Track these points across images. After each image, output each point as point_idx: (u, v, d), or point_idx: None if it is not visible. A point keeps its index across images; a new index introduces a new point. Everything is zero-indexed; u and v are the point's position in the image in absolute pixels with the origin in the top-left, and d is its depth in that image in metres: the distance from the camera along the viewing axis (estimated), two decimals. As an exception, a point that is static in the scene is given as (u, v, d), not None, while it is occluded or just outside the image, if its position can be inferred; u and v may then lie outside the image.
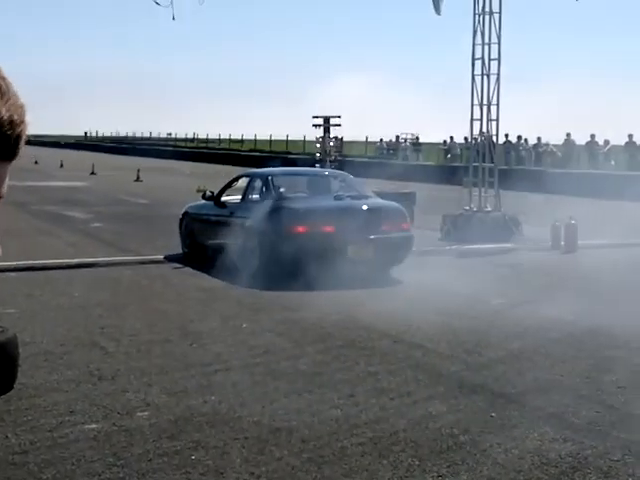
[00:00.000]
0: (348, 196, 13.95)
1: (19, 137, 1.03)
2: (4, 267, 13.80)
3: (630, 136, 39.51)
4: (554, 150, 41.93)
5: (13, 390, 7.25)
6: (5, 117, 1.00)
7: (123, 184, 37.23)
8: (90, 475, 5.57)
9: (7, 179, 1.09)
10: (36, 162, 58.63)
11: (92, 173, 45.63)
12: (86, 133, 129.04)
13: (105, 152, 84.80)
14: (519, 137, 44.05)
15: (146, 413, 6.82)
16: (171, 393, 7.35)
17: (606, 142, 39.56)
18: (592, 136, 39.34)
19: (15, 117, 1.01)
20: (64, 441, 6.17)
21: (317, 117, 25.37)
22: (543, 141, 43.02)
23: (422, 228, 18.21)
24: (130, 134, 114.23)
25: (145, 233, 19.19)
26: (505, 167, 30.18)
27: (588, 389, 7.54)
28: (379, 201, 14.30)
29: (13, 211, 24.42)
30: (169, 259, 15.15)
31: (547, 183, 33.21)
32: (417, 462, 5.85)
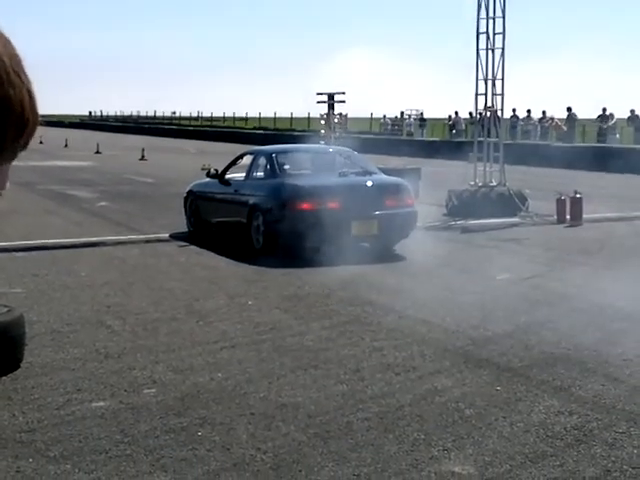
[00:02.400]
0: (352, 172, 13.92)
1: (32, 134, 1.07)
2: (11, 247, 13.83)
3: (632, 111, 39.40)
4: (559, 124, 41.80)
5: (20, 369, 7.28)
6: (34, 120, 1.04)
7: (128, 163, 37.22)
8: (97, 452, 5.60)
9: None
10: (41, 142, 58.65)
11: (97, 152, 45.62)
12: (90, 112, 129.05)
13: (110, 131, 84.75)
14: (529, 111, 43.84)
15: (153, 390, 6.85)
16: (177, 370, 7.38)
17: (611, 115, 39.42)
18: (604, 109, 39.19)
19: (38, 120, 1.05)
20: (71, 419, 6.20)
21: (321, 94, 25.25)
22: (548, 115, 42.87)
23: (427, 203, 18.19)
24: (134, 113, 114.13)
25: (150, 212, 19.20)
26: (510, 142, 30.09)
27: (594, 362, 7.54)
28: (383, 177, 14.28)
29: (19, 191, 24.44)
30: (174, 237, 15.16)
31: (552, 157, 33.12)
32: (423, 436, 5.87)
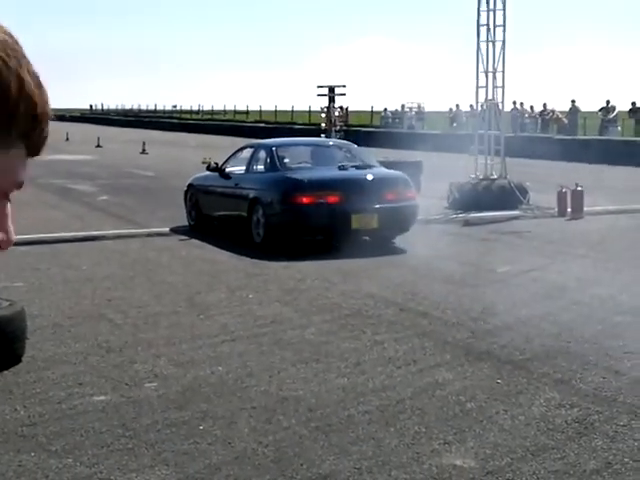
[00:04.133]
0: (353, 166, 13.92)
1: (44, 131, 1.07)
2: (11, 241, 13.82)
3: (633, 103, 39.36)
4: (560, 117, 41.76)
5: (22, 363, 7.29)
6: (48, 112, 1.05)
7: (129, 157, 37.22)
8: (99, 446, 5.61)
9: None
10: (41, 136, 58.52)
11: (98, 146, 45.60)
12: (91, 106, 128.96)
13: (111, 125, 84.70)
14: (531, 107, 43.64)
15: (154, 384, 6.86)
16: (179, 364, 7.39)
17: (612, 108, 39.38)
18: (607, 102, 39.14)
19: (49, 112, 1.05)
20: (73, 413, 6.21)
21: (322, 87, 25.23)
22: (549, 108, 42.82)
23: (428, 197, 18.17)
24: (135, 107, 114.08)
25: (151, 205, 19.20)
26: (511, 134, 30.06)
27: (595, 355, 7.55)
28: (384, 170, 14.27)
29: (19, 185, 24.44)
30: (175, 231, 15.17)
31: (554, 150, 33.09)
32: (424, 429, 5.87)
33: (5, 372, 7.06)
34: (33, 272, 11.53)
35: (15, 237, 1.08)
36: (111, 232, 14.97)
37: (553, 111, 42.51)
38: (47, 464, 5.33)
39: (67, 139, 53.60)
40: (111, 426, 5.95)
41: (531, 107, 43.93)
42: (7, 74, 1.02)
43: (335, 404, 6.38)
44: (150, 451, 5.53)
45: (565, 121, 41.04)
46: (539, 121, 42.91)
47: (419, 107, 54.09)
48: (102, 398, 6.53)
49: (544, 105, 43.24)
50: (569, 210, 17.09)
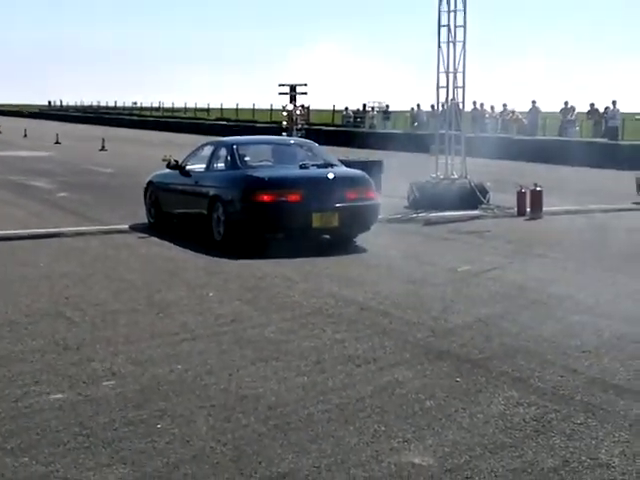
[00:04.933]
0: (314, 165, 13.90)
1: None
2: (-33, 238, 13.65)
3: (592, 105, 39.75)
4: (520, 117, 42.05)
5: (-23, 361, 7.19)
6: None
7: (88, 154, 36.92)
8: (55, 445, 5.54)
9: None
10: (-1, 132, 57.99)
11: (57, 143, 45.21)
12: (50, 102, 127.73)
13: (70, 121, 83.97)
14: (504, 105, 43.78)
15: (112, 382, 6.79)
16: (137, 362, 7.33)
17: (572, 109, 39.74)
18: (566, 103, 39.48)
19: None
20: (29, 411, 6.13)
21: (283, 85, 25.16)
22: (509, 108, 43.10)
23: (389, 196, 18.20)
24: (95, 103, 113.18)
25: (111, 203, 19.05)
26: (472, 134, 30.20)
27: (553, 354, 7.60)
28: (345, 169, 14.27)
29: (-24, 181, 24.14)
30: (135, 229, 15.06)
31: (513, 150, 33.32)
32: (383, 428, 5.87)
33: (-40, 370, 6.95)
34: (-10, 269, 11.38)
35: None
36: (70, 229, 14.83)
37: (513, 111, 42.79)
38: (3, 462, 5.26)
39: (25, 135, 53.09)
40: (68, 424, 5.88)
41: (492, 107, 44.16)
42: None
43: (295, 402, 6.36)
44: (107, 449, 5.48)
45: (525, 122, 41.34)
46: (499, 121, 43.17)
47: (381, 106, 54.20)
48: (59, 396, 6.45)
49: (504, 105, 43.51)
50: (528, 210, 17.22)
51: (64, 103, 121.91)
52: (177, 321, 8.75)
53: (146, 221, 15.59)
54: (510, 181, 19.72)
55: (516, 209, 17.37)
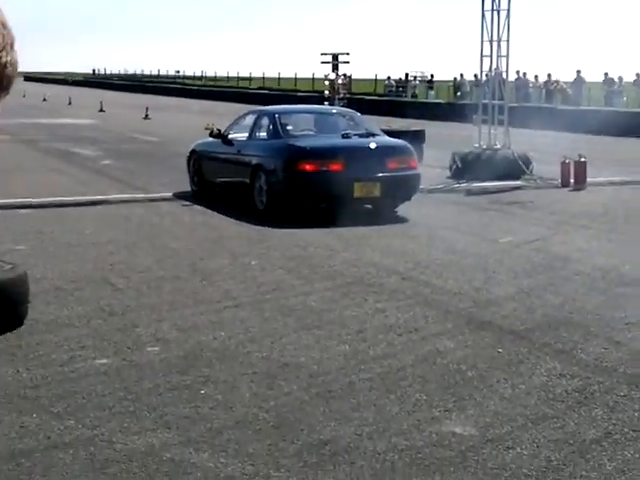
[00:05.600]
0: (356, 134, 13.87)
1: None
2: (15, 204, 13.83)
3: (638, 74, 39.18)
4: (564, 87, 41.58)
5: (24, 326, 7.31)
6: None
7: (132, 122, 37.11)
8: (101, 409, 5.64)
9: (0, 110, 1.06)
10: (44, 99, 58.47)
11: (101, 110, 45.48)
12: (94, 70, 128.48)
13: (113, 90, 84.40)
14: (549, 75, 43.35)
15: (156, 348, 6.88)
16: (181, 329, 7.41)
17: (619, 79, 39.20)
18: (605, 74, 38.97)
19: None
20: (75, 376, 6.24)
21: (325, 54, 25.11)
22: (553, 78, 42.63)
23: (431, 166, 18.15)
24: (138, 72, 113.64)
25: (154, 170, 19.17)
26: (515, 104, 29.93)
27: (597, 326, 7.56)
28: (387, 139, 14.22)
29: (23, 148, 24.41)
30: (178, 196, 15.16)
31: (557, 121, 32.98)
32: (424, 397, 5.90)
33: (8, 334, 7.08)
34: (36, 236, 11.54)
35: None
36: (114, 197, 14.96)
37: (557, 81, 42.31)
38: (49, 426, 5.36)
39: (70, 103, 53.45)
40: (113, 389, 5.98)
41: (535, 77, 43.70)
42: None
43: (336, 371, 6.41)
44: (152, 414, 5.56)
45: (569, 91, 40.87)
46: (543, 91, 42.71)
47: (423, 76, 53.87)
48: (104, 361, 6.55)
49: (549, 75, 43.03)
50: (572, 181, 17.06)
51: (108, 71, 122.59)
52: (220, 289, 8.82)
53: (189, 189, 15.67)
54: (554, 152, 19.53)
55: (560, 180, 17.21)
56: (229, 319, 7.72)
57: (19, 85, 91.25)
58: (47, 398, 5.80)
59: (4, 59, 0.99)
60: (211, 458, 4.94)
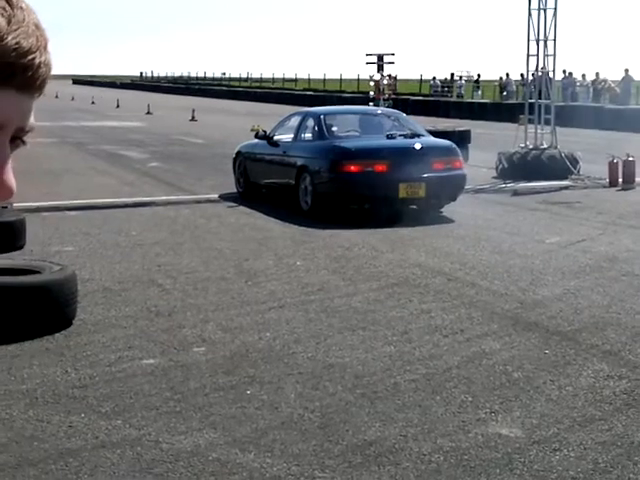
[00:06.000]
0: (401, 135, 13.85)
1: (32, 67, 1.01)
2: (63, 206, 13.99)
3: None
4: (612, 86, 41.13)
5: (72, 326, 7.40)
6: (11, 44, 0.99)
7: (179, 124, 37.37)
8: (148, 409, 5.69)
9: (32, 115, 1.07)
10: (93, 102, 59.08)
11: (148, 113, 45.86)
12: (141, 73, 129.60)
13: (160, 92, 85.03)
14: (597, 74, 42.92)
15: (202, 349, 6.92)
16: (227, 329, 7.45)
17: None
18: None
19: (24, 44, 1.00)
20: (122, 376, 6.30)
21: (370, 55, 25.09)
22: (601, 77, 42.19)
23: (477, 166, 18.07)
24: (185, 74, 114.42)
25: (200, 172, 19.29)
26: (562, 103, 29.68)
27: (644, 327, 7.47)
28: (432, 139, 14.19)
29: (71, 151, 24.70)
30: (224, 198, 15.24)
31: (605, 120, 32.63)
32: (470, 398, 5.87)
33: (56, 335, 7.17)
34: (84, 237, 11.67)
35: (14, 187, 1.06)
36: (161, 198, 15.08)
37: (605, 80, 41.86)
38: (97, 425, 5.41)
39: (118, 106, 53.97)
40: (160, 389, 6.03)
41: (583, 76, 43.29)
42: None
43: (381, 372, 6.40)
44: (198, 414, 5.60)
45: (617, 90, 40.42)
46: (591, 90, 42.29)
47: (469, 76, 53.64)
48: (151, 362, 6.61)
49: (596, 74, 42.59)
50: (620, 180, 16.87)
51: (155, 74, 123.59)
52: (265, 289, 8.86)
53: (235, 191, 15.75)
54: (602, 151, 19.33)
55: (608, 179, 17.03)
56: (274, 320, 7.75)
57: (68, 88, 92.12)
58: (95, 398, 5.87)
59: (38, 59, 1.01)
60: (257, 458, 4.96)
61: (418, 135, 13.99)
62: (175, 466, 4.87)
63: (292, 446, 5.12)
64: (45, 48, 1.02)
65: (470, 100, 46.83)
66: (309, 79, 78.07)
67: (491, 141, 20.17)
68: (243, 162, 15.75)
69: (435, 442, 5.19)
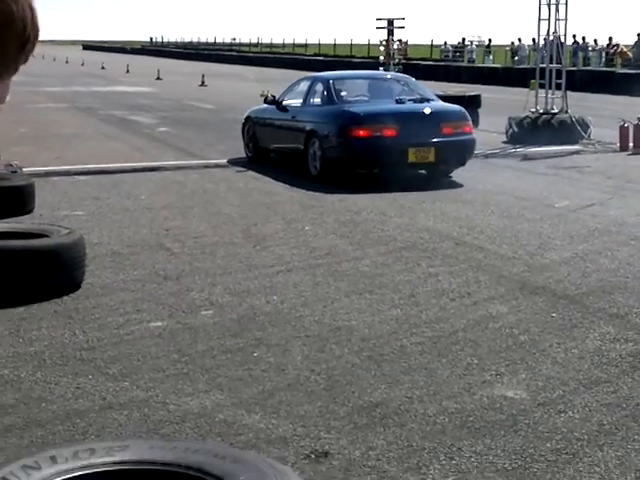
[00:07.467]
0: (410, 99, 13.79)
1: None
2: (72, 170, 14.01)
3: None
4: (625, 50, 40.81)
5: (81, 289, 7.43)
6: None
7: (188, 89, 37.27)
8: (155, 371, 5.72)
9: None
10: (103, 67, 58.93)
11: (158, 78, 45.75)
12: (151, 39, 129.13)
13: (170, 58, 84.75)
14: (610, 38, 42.54)
15: (210, 312, 6.95)
16: (234, 293, 7.47)
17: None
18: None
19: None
20: (130, 338, 6.33)
21: (380, 19, 24.90)
22: (614, 41, 41.83)
23: (487, 131, 18.00)
24: (195, 39, 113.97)
25: (210, 137, 19.27)
26: (573, 68, 29.47)
27: (652, 291, 7.47)
28: (441, 104, 14.12)
29: (80, 116, 24.67)
30: (233, 163, 15.23)
31: (617, 84, 32.41)
32: (476, 361, 5.89)
33: (65, 298, 7.20)
34: (93, 201, 11.69)
35: None
36: (170, 163, 15.08)
37: (618, 45, 41.54)
38: (104, 387, 5.45)
39: (127, 71, 53.84)
40: (167, 351, 6.06)
41: (595, 40, 42.96)
42: (24, 5, 1.02)
43: (388, 335, 6.42)
44: (205, 376, 5.63)
45: (630, 55, 40.11)
46: (603, 55, 41.97)
47: (481, 40, 53.29)
48: (159, 324, 6.64)
49: (609, 39, 42.22)
50: (631, 145, 16.79)
51: (165, 40, 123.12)
52: (273, 254, 8.87)
53: (244, 156, 15.73)
54: (613, 115, 19.22)
55: (618, 144, 16.95)
56: (282, 283, 7.76)
57: (78, 54, 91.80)
58: (102, 360, 5.91)
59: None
60: (262, 419, 4.99)
61: (427, 100, 13.93)
62: (182, 427, 4.91)
63: (298, 407, 5.15)
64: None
65: (481, 65, 46.55)
66: (319, 44, 77.59)
67: (502, 106, 20.07)
68: (252, 127, 15.71)
69: (440, 404, 5.21)
